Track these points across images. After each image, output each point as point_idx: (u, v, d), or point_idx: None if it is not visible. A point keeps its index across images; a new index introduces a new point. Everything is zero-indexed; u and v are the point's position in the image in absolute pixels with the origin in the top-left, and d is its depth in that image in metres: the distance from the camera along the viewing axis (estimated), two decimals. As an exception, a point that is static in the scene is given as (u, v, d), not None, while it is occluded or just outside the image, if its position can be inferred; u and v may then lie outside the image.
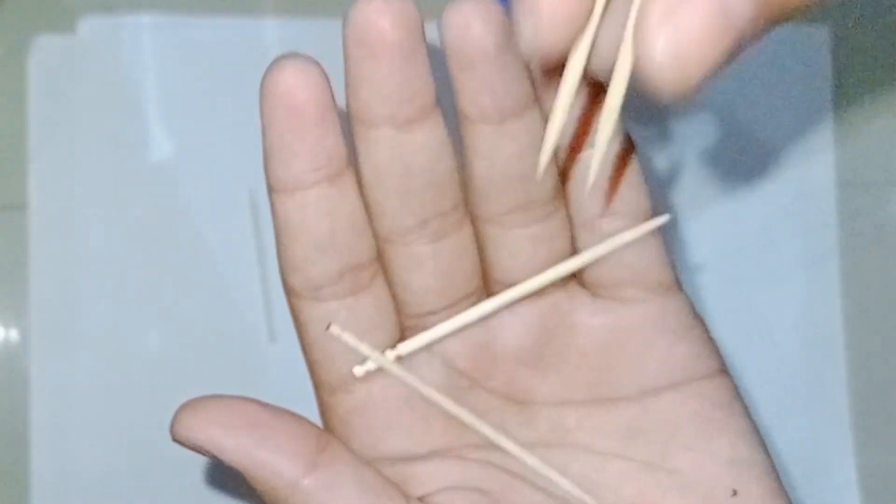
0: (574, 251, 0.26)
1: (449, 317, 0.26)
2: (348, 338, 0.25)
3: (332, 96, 0.23)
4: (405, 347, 0.25)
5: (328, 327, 0.25)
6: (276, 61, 0.22)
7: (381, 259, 0.25)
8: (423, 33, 0.22)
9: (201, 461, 0.38)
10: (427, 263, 0.25)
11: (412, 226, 0.24)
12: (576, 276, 0.27)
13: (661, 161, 0.42)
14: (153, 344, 0.38)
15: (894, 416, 0.43)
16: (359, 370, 0.25)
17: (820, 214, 0.43)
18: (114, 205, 0.38)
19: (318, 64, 0.23)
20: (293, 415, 0.24)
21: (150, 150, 0.38)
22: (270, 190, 0.24)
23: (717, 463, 0.26)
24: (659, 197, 0.42)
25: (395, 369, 0.25)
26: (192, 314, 0.38)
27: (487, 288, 0.27)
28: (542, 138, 0.21)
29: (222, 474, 0.38)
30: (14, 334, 0.38)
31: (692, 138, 0.42)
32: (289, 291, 0.25)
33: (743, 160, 0.43)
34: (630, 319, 0.26)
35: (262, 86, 0.22)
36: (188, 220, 0.38)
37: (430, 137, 0.23)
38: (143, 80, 0.39)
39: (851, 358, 0.43)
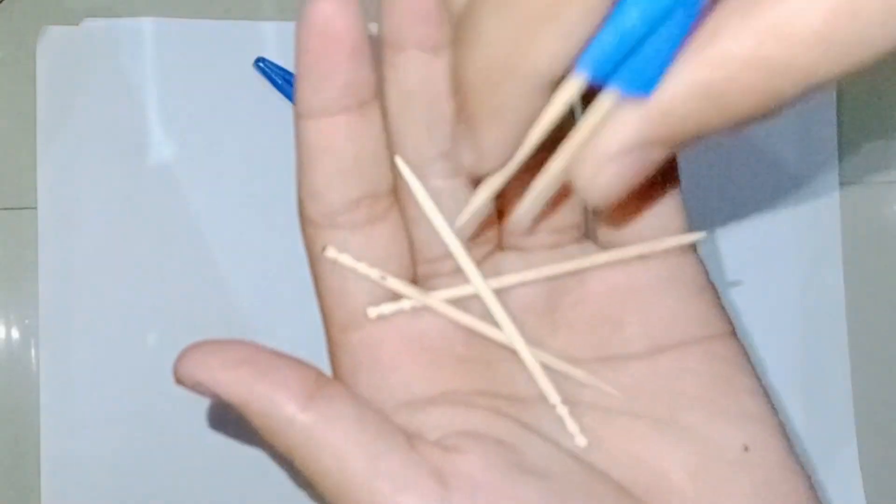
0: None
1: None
2: (345, 259, 0.24)
3: (366, 27, 0.23)
4: (387, 308, 0.25)
5: (324, 249, 0.24)
6: None
7: (397, 195, 0.25)
8: None
9: (202, 452, 0.38)
10: (444, 198, 0.24)
11: (433, 157, 0.24)
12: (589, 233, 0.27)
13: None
14: (156, 339, 0.38)
15: (895, 412, 0.43)
16: (372, 311, 0.24)
17: (821, 214, 0.43)
18: (118, 205, 0.38)
19: None
20: (292, 356, 0.24)
21: (152, 152, 0.39)
22: (298, 116, 0.24)
23: (728, 419, 0.25)
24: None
25: (415, 294, 0.25)
26: (194, 310, 0.38)
27: (501, 239, 0.26)
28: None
29: (221, 464, 0.38)
30: (23, 330, 0.38)
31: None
32: (305, 220, 0.25)
33: (744, 161, 0.43)
34: (643, 276, 0.26)
35: (301, 15, 0.22)
36: (190, 219, 0.39)
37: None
38: (145, 82, 0.39)
39: (853, 356, 0.42)
